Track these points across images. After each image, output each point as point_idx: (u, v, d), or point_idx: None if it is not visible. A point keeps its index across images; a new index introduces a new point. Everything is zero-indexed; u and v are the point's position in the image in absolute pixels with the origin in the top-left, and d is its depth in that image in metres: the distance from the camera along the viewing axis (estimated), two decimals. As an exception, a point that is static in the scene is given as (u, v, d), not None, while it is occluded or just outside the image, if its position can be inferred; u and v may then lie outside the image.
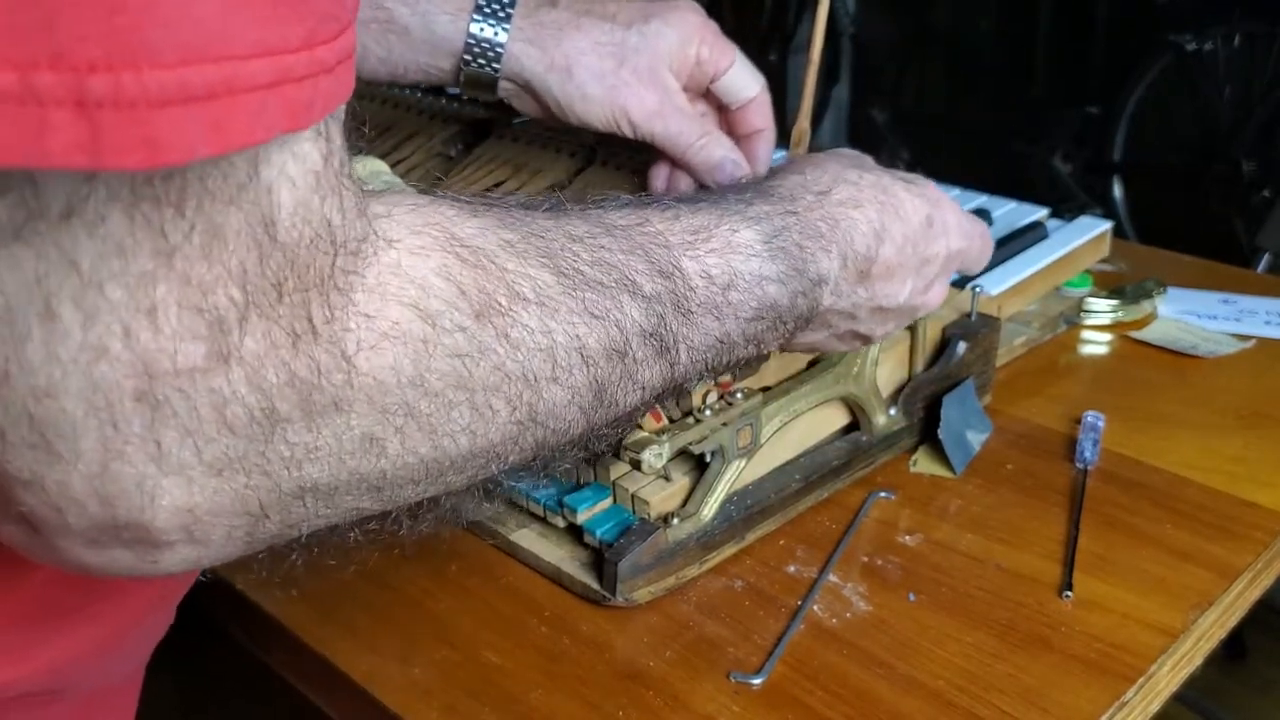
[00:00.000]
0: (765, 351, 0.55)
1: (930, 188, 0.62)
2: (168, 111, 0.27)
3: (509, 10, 0.69)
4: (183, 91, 0.27)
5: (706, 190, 0.59)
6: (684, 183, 0.73)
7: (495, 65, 0.69)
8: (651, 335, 0.44)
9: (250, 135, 0.29)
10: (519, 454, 0.41)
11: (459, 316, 0.36)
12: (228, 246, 0.30)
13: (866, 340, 0.62)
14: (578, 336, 0.40)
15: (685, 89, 0.72)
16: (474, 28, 0.69)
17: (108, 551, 0.33)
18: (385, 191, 0.38)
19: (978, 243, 0.65)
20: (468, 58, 0.69)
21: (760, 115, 0.74)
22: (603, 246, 0.43)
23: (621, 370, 0.43)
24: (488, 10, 0.69)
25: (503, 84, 0.71)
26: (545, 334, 0.39)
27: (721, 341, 0.49)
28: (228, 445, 0.32)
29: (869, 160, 0.64)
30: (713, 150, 0.70)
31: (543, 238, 0.41)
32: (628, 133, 0.70)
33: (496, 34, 0.69)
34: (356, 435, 0.34)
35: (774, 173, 0.60)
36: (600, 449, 0.49)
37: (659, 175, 0.74)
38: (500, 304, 0.37)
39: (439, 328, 0.35)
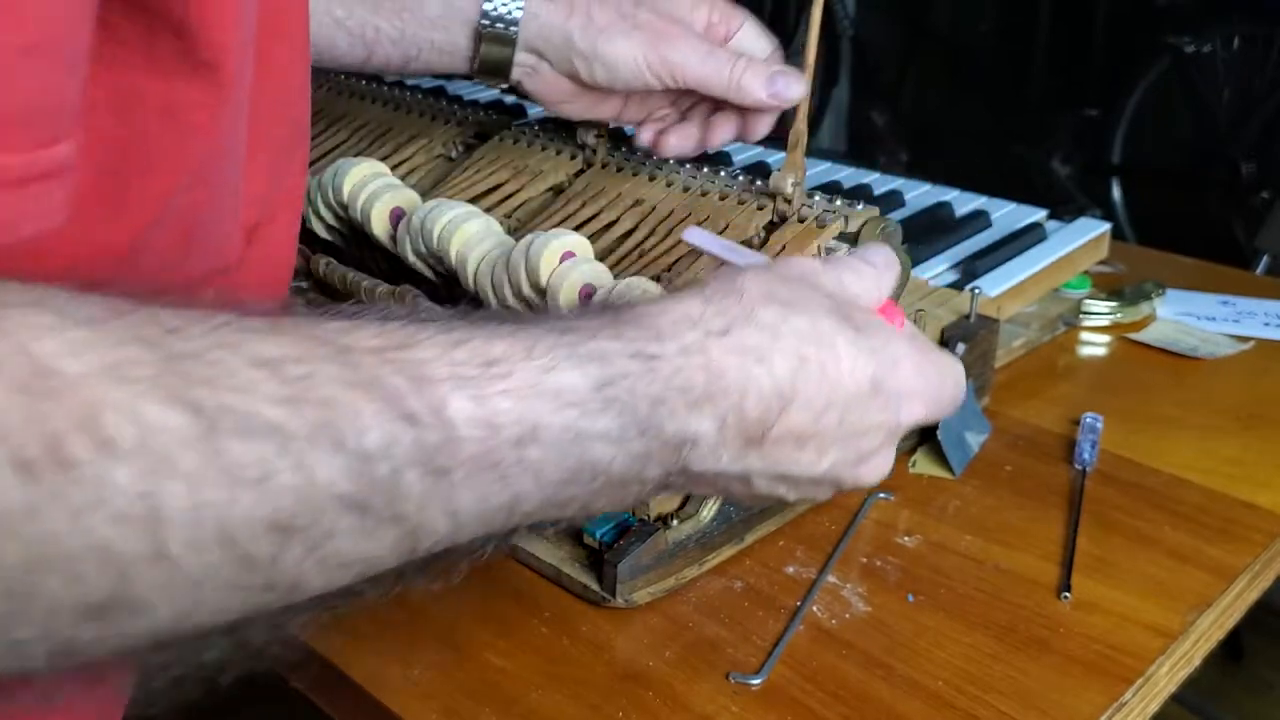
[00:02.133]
0: (601, 510, 0.42)
1: (894, 336, 0.48)
2: None
3: None
4: None
5: (540, 315, 0.46)
6: (719, 133, 0.73)
7: (514, 28, 0.69)
8: (358, 505, 0.33)
9: None
10: (133, 644, 0.31)
11: None
12: None
13: (780, 501, 0.51)
14: (205, 504, 0.29)
15: None
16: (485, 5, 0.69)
17: None
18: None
19: (947, 402, 0.51)
20: (485, 23, 0.69)
21: None
22: (308, 377, 0.32)
23: (302, 550, 0.32)
24: None
25: (519, 58, 0.70)
26: (144, 499, 0.28)
27: (510, 506, 0.37)
28: None
29: (831, 282, 0.49)
30: (757, 69, 0.69)
31: (198, 359, 0.30)
32: (659, 76, 0.69)
33: (509, 9, 0.69)
34: None
35: (669, 294, 0.48)
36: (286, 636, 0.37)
37: (689, 130, 0.74)
38: (71, 454, 0.27)
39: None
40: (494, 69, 0.71)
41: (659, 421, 0.40)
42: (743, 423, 0.43)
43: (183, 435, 0.29)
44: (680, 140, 0.75)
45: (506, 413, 0.36)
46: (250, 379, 0.31)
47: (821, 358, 0.44)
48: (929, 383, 0.49)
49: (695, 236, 0.56)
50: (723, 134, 0.75)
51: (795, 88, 0.69)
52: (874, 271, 0.51)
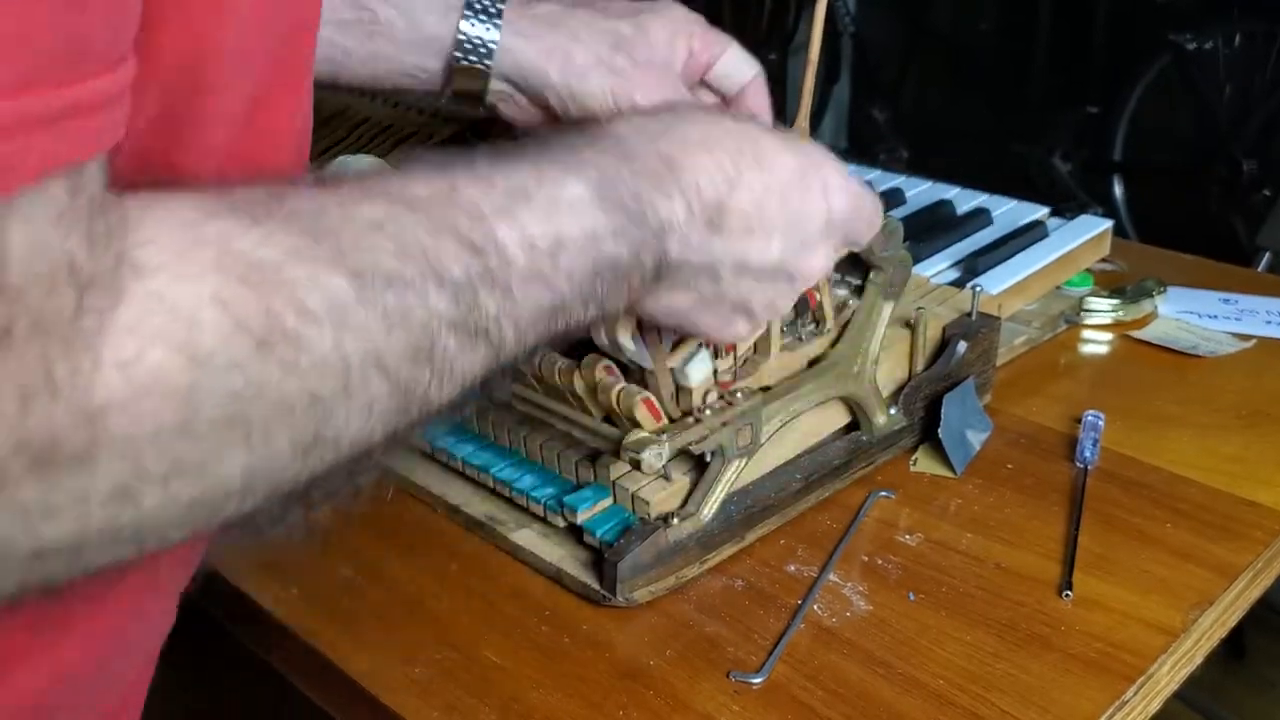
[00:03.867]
0: (608, 310, 0.49)
1: (813, 147, 0.57)
2: None
3: (499, 7, 0.68)
4: None
5: (531, 139, 0.52)
6: None
7: (487, 61, 0.68)
8: (461, 325, 0.39)
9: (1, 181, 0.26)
10: (307, 474, 0.37)
11: (236, 352, 0.32)
12: None
13: (748, 315, 0.56)
14: (375, 349, 0.36)
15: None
16: (464, 25, 0.68)
17: None
18: (159, 200, 0.34)
19: (867, 207, 0.60)
20: (458, 54, 0.68)
21: (757, 102, 0.73)
22: (404, 229, 0.38)
23: (430, 371, 0.39)
24: (478, 7, 0.68)
25: (494, 87, 0.70)
26: (337, 350, 0.35)
27: (555, 309, 0.45)
28: None
29: (745, 117, 0.59)
30: None
31: (337, 234, 0.36)
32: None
33: (488, 30, 0.68)
34: (104, 490, 0.30)
35: (611, 117, 0.55)
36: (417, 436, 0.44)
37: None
38: (286, 328, 0.33)
39: (211, 368, 0.31)
40: (466, 96, 0.70)
41: (643, 213, 0.48)
42: (702, 204, 0.50)
43: (353, 295, 0.35)
44: None
45: (539, 231, 0.43)
46: (372, 242, 0.37)
47: (753, 149, 0.52)
48: (848, 181, 0.57)
49: None
50: None
51: None
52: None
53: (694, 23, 0.71)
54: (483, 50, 0.68)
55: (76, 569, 0.33)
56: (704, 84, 0.73)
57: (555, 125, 0.71)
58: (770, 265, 0.54)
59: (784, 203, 0.53)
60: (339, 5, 0.67)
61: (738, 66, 0.72)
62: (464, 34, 0.68)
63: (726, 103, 0.73)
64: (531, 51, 0.68)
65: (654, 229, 0.48)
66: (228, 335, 0.32)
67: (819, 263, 0.57)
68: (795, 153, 0.55)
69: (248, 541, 0.40)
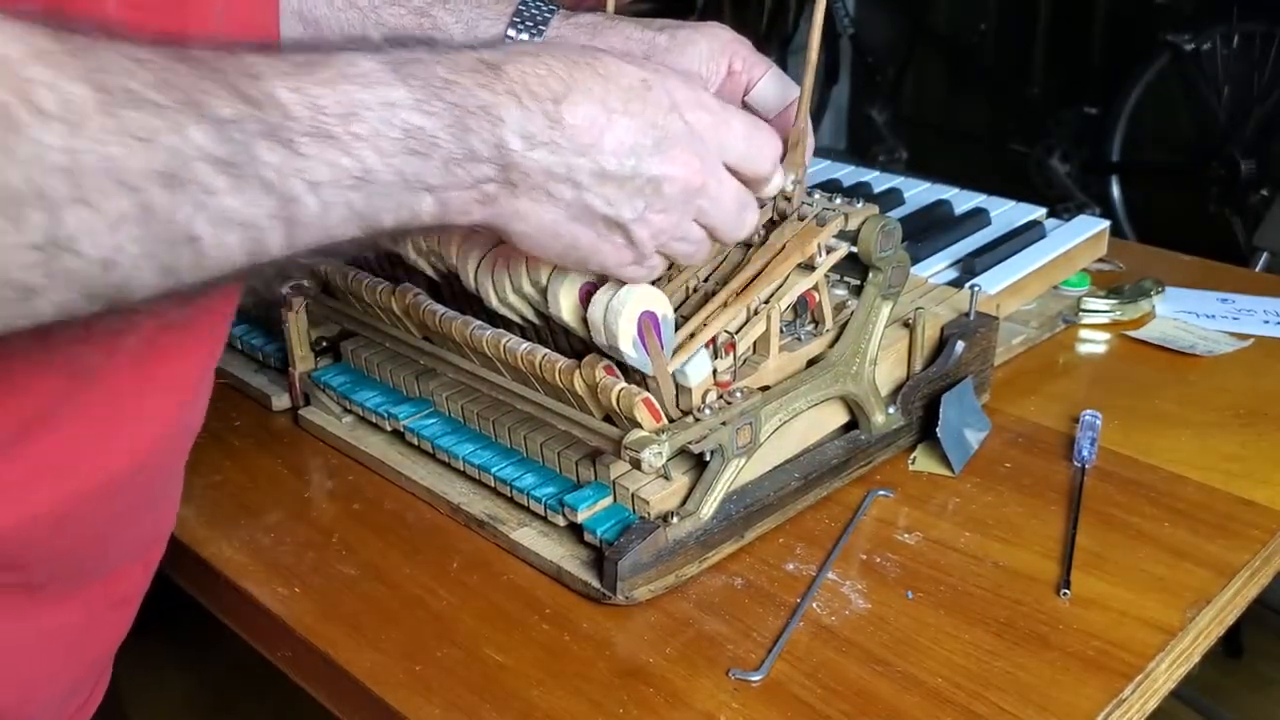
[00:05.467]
0: (464, 207, 0.50)
1: (666, 68, 0.57)
2: None
3: (547, 16, 0.70)
4: None
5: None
6: None
7: None
8: (229, 165, 0.40)
9: None
10: (62, 289, 0.38)
11: None
12: None
13: (625, 234, 0.56)
14: (109, 157, 0.37)
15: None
16: (511, 32, 0.70)
17: None
18: None
19: (737, 127, 0.58)
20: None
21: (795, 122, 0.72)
22: (169, 69, 0.40)
23: (188, 200, 0.39)
24: (526, 15, 0.70)
25: None
26: (65, 152, 0.36)
27: (364, 179, 0.45)
28: None
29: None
30: None
31: (94, 54, 0.38)
32: None
33: (533, 39, 0.70)
34: None
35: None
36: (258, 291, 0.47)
37: None
38: (13, 116, 0.35)
39: None
40: None
41: (453, 93, 0.48)
42: (535, 99, 0.50)
43: (93, 105, 0.37)
44: None
45: (325, 95, 0.44)
46: (128, 68, 0.38)
47: (590, 61, 0.53)
48: (704, 97, 0.57)
49: None
50: None
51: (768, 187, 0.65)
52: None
53: (738, 43, 0.72)
54: None
55: None
56: (745, 105, 0.73)
57: None
58: (628, 171, 0.53)
59: (626, 105, 0.53)
60: (404, 13, 0.70)
61: (776, 88, 0.72)
62: (511, 39, 0.70)
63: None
64: None
65: (475, 111, 0.48)
66: None
67: (683, 172, 0.55)
68: (639, 66, 0.55)
69: None
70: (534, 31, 0.70)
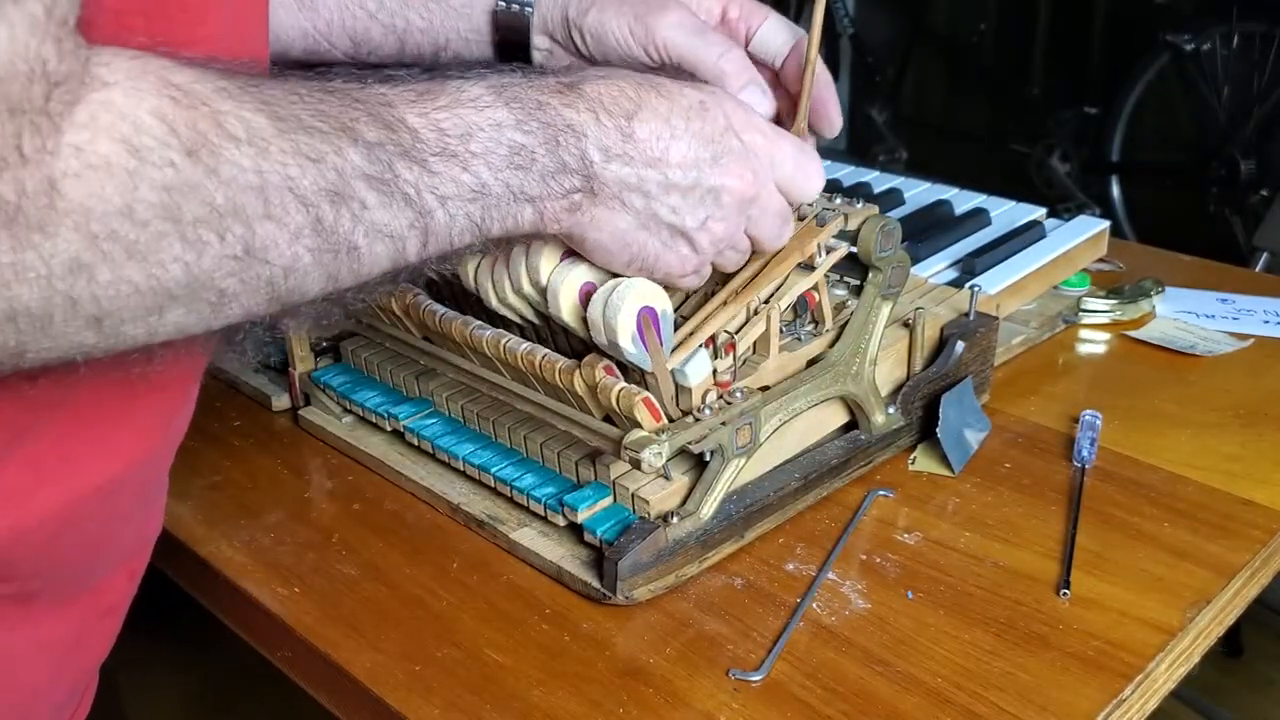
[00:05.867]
0: (556, 214, 0.55)
1: (722, 91, 0.62)
2: None
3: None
4: None
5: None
6: None
7: (528, 9, 0.71)
8: (378, 180, 0.46)
9: None
10: (252, 294, 0.43)
11: (169, 153, 0.38)
12: None
13: (688, 240, 0.60)
14: (290, 177, 0.42)
15: None
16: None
17: None
18: (110, 47, 0.40)
19: (788, 149, 0.63)
20: (501, 4, 0.71)
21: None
22: (322, 100, 0.45)
23: (349, 214, 0.45)
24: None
25: (536, 41, 0.71)
26: (256, 173, 0.41)
27: (481, 192, 0.51)
28: None
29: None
30: (736, 67, 0.68)
31: (259, 87, 0.42)
32: (640, 50, 0.69)
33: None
34: (64, 259, 0.36)
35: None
36: (358, 300, 0.50)
37: None
38: (212, 142, 0.39)
39: (147, 161, 0.38)
40: (514, 54, 0.73)
41: (546, 111, 0.54)
42: (610, 116, 0.56)
43: (272, 130, 0.42)
44: None
45: (446, 119, 0.50)
46: (290, 100, 0.43)
47: (652, 83, 0.58)
48: (759, 121, 0.62)
49: None
50: None
51: (763, 105, 0.69)
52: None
53: None
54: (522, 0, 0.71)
55: (45, 346, 0.38)
56: (750, 54, 0.72)
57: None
58: (690, 181, 0.58)
59: (688, 123, 0.58)
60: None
61: (778, 33, 0.72)
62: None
63: (773, 73, 0.73)
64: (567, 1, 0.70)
65: (562, 128, 0.54)
66: (162, 138, 0.38)
67: (739, 184, 0.60)
68: (697, 89, 0.60)
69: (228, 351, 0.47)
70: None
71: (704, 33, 0.68)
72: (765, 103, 0.68)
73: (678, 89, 0.59)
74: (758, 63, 0.71)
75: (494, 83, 0.53)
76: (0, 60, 0.34)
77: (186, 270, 0.40)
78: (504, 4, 0.71)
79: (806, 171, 0.64)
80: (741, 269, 0.68)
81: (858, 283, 0.73)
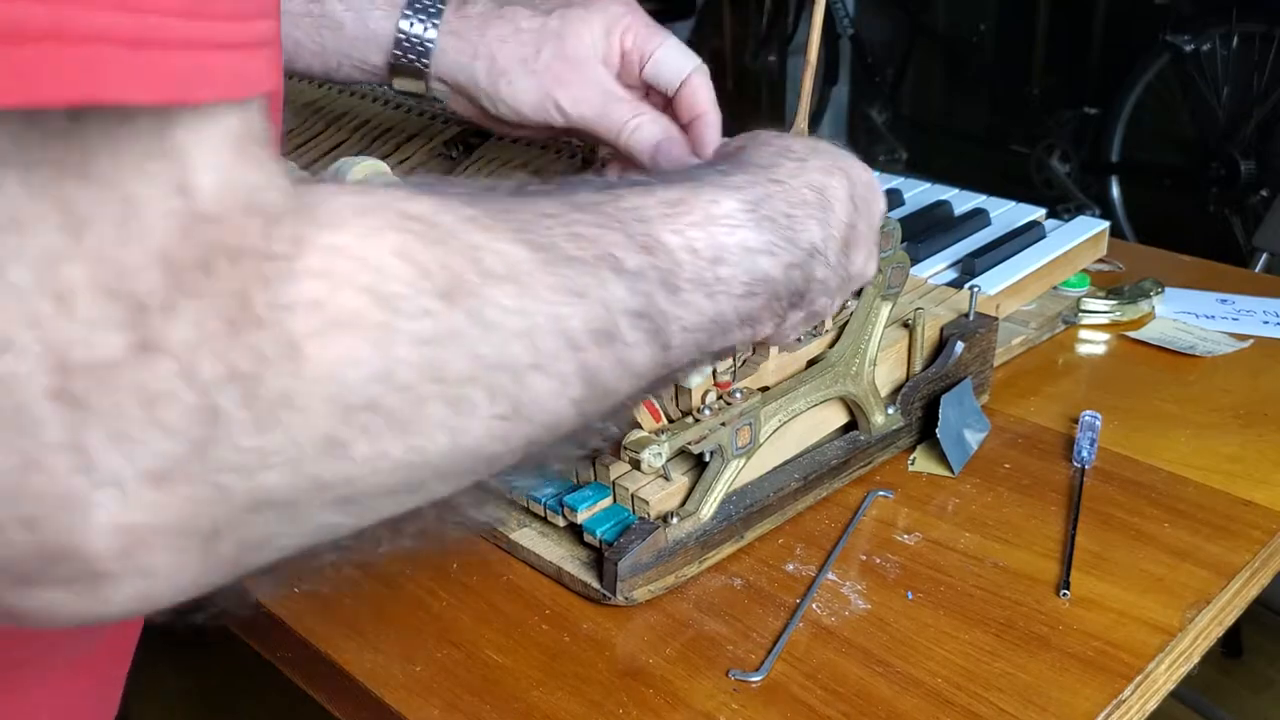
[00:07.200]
0: (759, 334, 0.51)
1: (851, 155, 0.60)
2: (84, 49, 0.25)
3: (439, 7, 0.68)
4: (107, 33, 0.25)
5: (677, 170, 0.56)
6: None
7: (424, 60, 0.69)
8: (641, 315, 0.40)
9: (178, 92, 0.27)
10: (509, 455, 0.36)
11: (423, 299, 0.32)
12: (142, 218, 0.27)
13: (812, 321, 0.59)
14: (559, 317, 0.36)
15: (619, 81, 0.70)
16: (404, 24, 0.69)
17: (42, 592, 0.29)
18: (312, 179, 0.36)
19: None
20: (397, 53, 0.69)
21: (700, 97, 0.69)
22: (576, 221, 0.39)
23: (613, 356, 0.38)
24: (418, 6, 0.68)
25: (435, 85, 0.70)
26: (523, 315, 0.35)
27: (715, 322, 0.45)
28: (164, 449, 0.28)
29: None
30: (647, 130, 0.67)
31: (509, 212, 0.37)
32: (558, 120, 0.68)
33: (425, 30, 0.68)
34: (315, 436, 0.30)
35: (741, 146, 0.57)
36: (594, 445, 0.44)
37: (612, 175, 0.72)
38: (470, 282, 0.33)
39: (401, 312, 0.31)
40: (413, 90, 0.71)
41: (794, 232, 0.49)
42: (840, 227, 0.53)
43: (533, 263, 0.36)
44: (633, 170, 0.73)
45: (699, 238, 0.44)
46: (546, 225, 0.37)
47: (844, 166, 0.55)
48: (882, 202, 0.60)
49: None
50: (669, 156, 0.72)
51: (682, 157, 0.68)
52: None
53: (628, 15, 0.69)
54: (420, 49, 0.69)
55: (289, 533, 0.33)
56: (649, 89, 0.71)
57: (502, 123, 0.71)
58: (851, 275, 0.56)
59: (869, 211, 0.56)
60: (295, 2, 0.69)
61: (674, 61, 0.69)
62: (403, 32, 0.69)
63: (668, 100, 0.71)
64: (462, 56, 0.68)
65: (805, 250, 0.50)
66: (413, 281, 0.32)
67: (874, 264, 0.59)
68: (860, 166, 0.57)
69: (448, 531, 0.40)
70: (427, 23, 0.68)
71: (608, 105, 0.68)
72: (683, 153, 0.68)
73: (857, 167, 0.56)
74: (653, 90, 0.71)
75: (748, 196, 0.48)
76: (207, 193, 0.28)
77: (452, 439, 0.33)
78: (399, 53, 0.69)
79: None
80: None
81: (857, 283, 0.73)
